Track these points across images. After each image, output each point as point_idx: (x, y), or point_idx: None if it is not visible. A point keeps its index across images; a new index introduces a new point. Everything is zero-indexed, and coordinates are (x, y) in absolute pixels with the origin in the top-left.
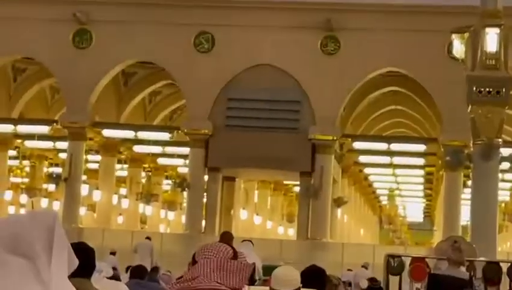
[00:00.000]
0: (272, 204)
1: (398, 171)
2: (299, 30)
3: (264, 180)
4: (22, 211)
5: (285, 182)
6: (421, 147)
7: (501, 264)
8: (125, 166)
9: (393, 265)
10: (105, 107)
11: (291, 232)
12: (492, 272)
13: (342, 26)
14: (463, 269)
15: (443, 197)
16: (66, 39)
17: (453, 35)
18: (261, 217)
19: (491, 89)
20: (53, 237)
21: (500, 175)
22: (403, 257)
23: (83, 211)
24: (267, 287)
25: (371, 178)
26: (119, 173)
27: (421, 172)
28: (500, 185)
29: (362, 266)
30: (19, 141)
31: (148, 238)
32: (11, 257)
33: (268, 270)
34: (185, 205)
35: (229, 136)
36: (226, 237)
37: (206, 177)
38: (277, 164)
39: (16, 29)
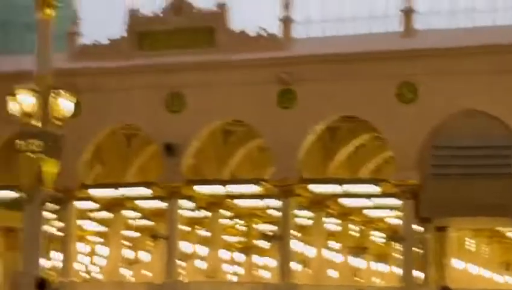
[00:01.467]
0: (487, 252)
1: None
2: (503, 73)
3: (477, 228)
4: (237, 268)
5: (499, 229)
6: None
7: None
8: (335, 220)
9: None
10: (312, 163)
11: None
12: None
13: None
14: None
15: None
16: (271, 100)
17: None
18: (476, 267)
19: None
20: None
21: None
22: None
23: (296, 267)
24: None
25: None
26: (329, 227)
27: None
28: None
29: None
30: (231, 200)
31: None
32: None
33: None
34: (397, 256)
35: (438, 185)
36: None
37: (417, 228)
38: (489, 211)
39: (224, 94)
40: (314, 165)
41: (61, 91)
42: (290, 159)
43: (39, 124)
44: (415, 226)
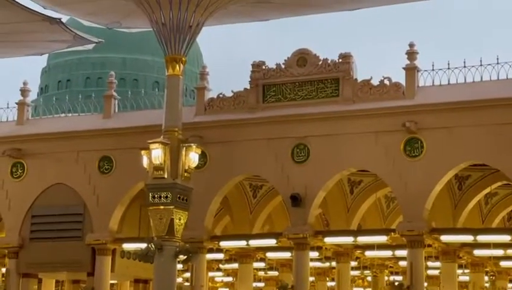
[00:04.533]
0: None
1: None
2: None
3: None
4: None
5: None
6: None
7: None
8: (467, 271)
9: None
10: (440, 212)
11: None
12: None
13: None
14: None
15: None
16: (397, 149)
17: None
18: None
19: None
20: None
21: None
22: None
23: None
24: None
25: None
26: (460, 279)
27: None
28: None
29: None
30: (359, 251)
31: None
32: None
33: None
34: None
35: None
36: None
37: None
38: None
39: (350, 144)
40: (443, 215)
41: (192, 144)
42: (418, 209)
43: (169, 177)
44: None
